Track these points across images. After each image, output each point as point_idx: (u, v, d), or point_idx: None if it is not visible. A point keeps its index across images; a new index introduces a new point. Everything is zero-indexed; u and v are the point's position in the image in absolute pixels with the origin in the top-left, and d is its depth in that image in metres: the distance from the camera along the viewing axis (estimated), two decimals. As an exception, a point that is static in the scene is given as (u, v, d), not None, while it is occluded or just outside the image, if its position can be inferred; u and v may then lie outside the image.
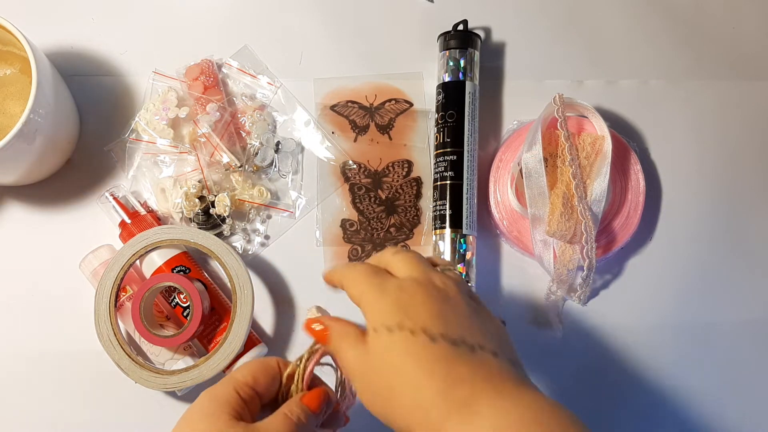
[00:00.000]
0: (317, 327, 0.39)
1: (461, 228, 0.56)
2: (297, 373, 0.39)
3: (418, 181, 0.61)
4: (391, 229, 0.60)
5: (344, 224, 0.60)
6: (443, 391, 0.33)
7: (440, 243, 0.57)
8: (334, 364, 0.42)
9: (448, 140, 0.58)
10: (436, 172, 0.58)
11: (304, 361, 0.40)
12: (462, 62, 0.59)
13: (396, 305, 0.36)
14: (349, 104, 0.62)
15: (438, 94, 0.60)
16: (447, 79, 0.59)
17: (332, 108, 0.62)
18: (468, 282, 0.56)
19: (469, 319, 0.36)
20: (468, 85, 0.59)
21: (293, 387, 0.39)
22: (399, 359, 0.34)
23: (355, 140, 0.61)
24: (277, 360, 0.39)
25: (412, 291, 0.37)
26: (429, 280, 0.38)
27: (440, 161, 0.58)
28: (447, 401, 0.33)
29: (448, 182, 0.57)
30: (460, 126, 0.58)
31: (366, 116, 0.62)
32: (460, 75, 0.59)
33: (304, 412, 0.38)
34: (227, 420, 0.35)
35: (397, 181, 0.61)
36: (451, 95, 0.59)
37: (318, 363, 0.40)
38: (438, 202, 0.57)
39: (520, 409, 0.32)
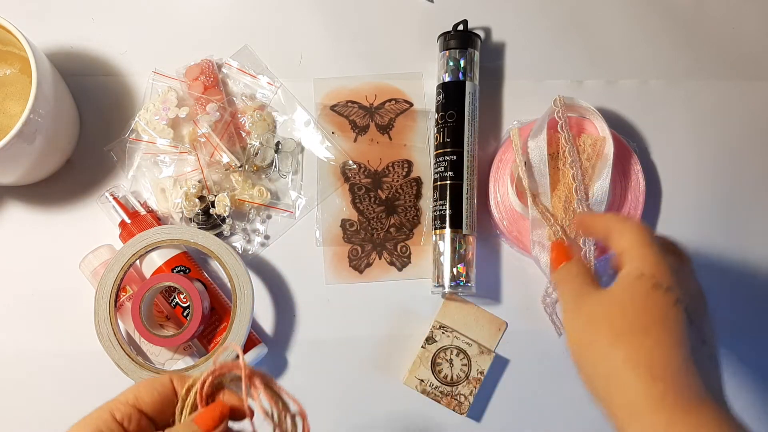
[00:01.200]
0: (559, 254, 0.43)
1: (461, 228, 0.56)
2: (194, 387, 0.33)
3: (418, 181, 0.61)
4: (391, 229, 0.60)
5: (344, 224, 0.60)
6: (687, 359, 0.35)
7: (440, 243, 0.57)
8: (249, 380, 0.34)
9: (448, 140, 0.58)
10: (436, 172, 0.58)
11: (205, 373, 0.33)
12: (462, 62, 0.59)
13: (668, 269, 0.38)
14: (349, 104, 0.62)
15: (438, 94, 0.60)
16: (447, 79, 0.59)
17: (332, 108, 0.62)
18: (468, 283, 0.56)
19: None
20: (468, 85, 0.59)
21: (187, 403, 0.33)
22: (658, 311, 0.36)
23: (355, 140, 0.61)
24: (170, 375, 0.34)
25: (683, 268, 0.41)
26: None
27: (440, 161, 0.58)
28: (688, 392, 0.34)
29: (448, 182, 0.57)
30: (460, 126, 0.58)
31: (366, 116, 0.62)
32: (460, 75, 0.59)
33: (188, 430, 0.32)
34: None
35: (397, 181, 0.61)
36: (451, 95, 0.59)
37: (220, 375, 0.33)
38: (438, 202, 0.57)
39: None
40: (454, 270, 0.56)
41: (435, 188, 0.58)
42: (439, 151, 0.58)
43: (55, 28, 0.62)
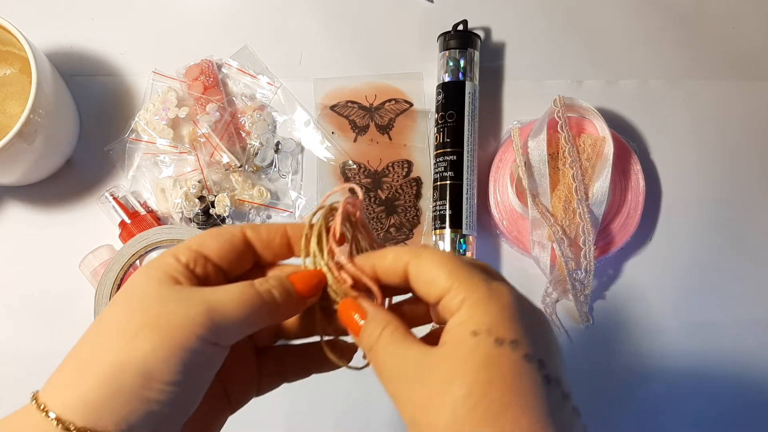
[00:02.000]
0: (352, 314, 0.30)
1: (461, 228, 0.56)
2: (315, 230, 0.31)
3: (418, 181, 0.61)
4: (391, 229, 0.60)
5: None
6: None
7: (440, 243, 0.57)
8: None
9: (448, 140, 0.58)
10: (436, 172, 0.58)
11: (325, 209, 0.32)
12: (462, 62, 0.59)
13: (513, 315, 0.27)
14: (349, 104, 0.62)
15: (438, 94, 0.60)
16: (447, 79, 0.59)
17: (332, 108, 0.62)
18: None
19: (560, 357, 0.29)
20: (468, 85, 0.59)
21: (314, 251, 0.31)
22: (510, 382, 0.26)
23: (355, 140, 0.61)
24: (241, 226, 0.32)
25: (523, 303, 0.28)
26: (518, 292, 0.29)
27: (440, 161, 0.58)
28: None
29: (448, 182, 0.57)
30: (460, 126, 0.58)
31: (366, 116, 0.62)
32: (460, 75, 0.59)
33: (281, 289, 0.30)
34: (161, 280, 0.29)
35: (397, 181, 0.61)
36: (451, 95, 0.59)
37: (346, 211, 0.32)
38: (438, 202, 0.57)
39: None
40: (454, 270, 0.56)
41: (435, 188, 0.58)
42: (438, 151, 0.58)
43: (55, 28, 0.62)
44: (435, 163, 0.59)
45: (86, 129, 0.60)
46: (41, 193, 0.59)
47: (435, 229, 0.57)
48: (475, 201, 0.58)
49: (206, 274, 0.31)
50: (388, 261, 0.31)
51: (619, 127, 0.61)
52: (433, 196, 0.58)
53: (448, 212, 0.57)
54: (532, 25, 0.64)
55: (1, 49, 0.56)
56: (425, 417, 0.26)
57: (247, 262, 0.32)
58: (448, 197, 0.57)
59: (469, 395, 0.26)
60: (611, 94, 0.63)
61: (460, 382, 0.26)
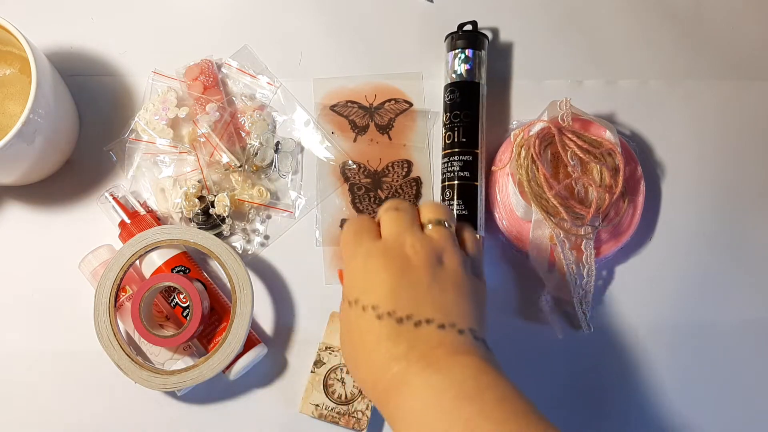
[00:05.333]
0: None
1: (475, 229, 0.56)
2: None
3: (418, 182, 0.61)
4: (391, 229, 0.60)
5: (344, 224, 0.60)
6: (384, 365, 0.38)
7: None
8: None
9: (464, 140, 0.57)
10: (449, 171, 0.58)
11: None
12: (472, 62, 0.59)
13: (357, 277, 0.41)
14: (349, 104, 0.62)
15: (452, 92, 0.58)
16: (458, 78, 0.58)
17: (332, 108, 0.62)
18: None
19: (424, 293, 0.39)
20: (480, 84, 0.58)
21: None
22: (355, 332, 0.40)
23: (354, 140, 0.61)
24: None
25: (375, 262, 0.40)
26: (399, 245, 0.41)
27: (454, 161, 0.57)
28: (387, 375, 0.37)
29: (463, 182, 0.57)
30: (475, 125, 0.57)
31: (366, 116, 0.62)
32: (471, 74, 0.58)
33: None
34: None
35: (397, 181, 0.61)
36: (466, 94, 0.58)
37: None
38: (452, 203, 0.57)
39: (447, 381, 0.36)
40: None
41: (449, 187, 0.57)
42: (448, 151, 0.58)
43: (55, 28, 0.62)
44: (447, 162, 0.58)
45: (86, 129, 0.60)
46: (41, 193, 0.59)
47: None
48: (484, 200, 0.58)
49: None
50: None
51: (619, 126, 0.61)
52: (444, 195, 0.58)
53: (464, 212, 0.56)
54: (532, 26, 0.64)
55: (1, 49, 0.56)
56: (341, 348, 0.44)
57: None
58: (462, 197, 0.56)
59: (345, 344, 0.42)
60: (611, 94, 0.63)
61: (345, 335, 0.43)
